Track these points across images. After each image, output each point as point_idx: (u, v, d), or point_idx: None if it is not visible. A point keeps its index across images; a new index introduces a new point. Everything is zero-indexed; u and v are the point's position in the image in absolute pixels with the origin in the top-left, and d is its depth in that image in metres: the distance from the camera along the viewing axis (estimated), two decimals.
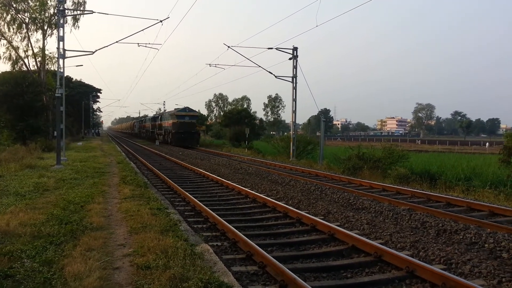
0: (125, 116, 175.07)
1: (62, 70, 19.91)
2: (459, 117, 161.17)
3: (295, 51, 26.62)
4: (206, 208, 8.83)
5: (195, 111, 45.42)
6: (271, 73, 27.11)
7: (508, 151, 12.86)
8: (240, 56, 26.15)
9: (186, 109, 42.92)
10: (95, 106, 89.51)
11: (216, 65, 30.27)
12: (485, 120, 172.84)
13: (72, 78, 61.23)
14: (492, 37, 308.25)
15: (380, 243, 6.46)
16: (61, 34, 19.64)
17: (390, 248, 6.21)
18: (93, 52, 22.28)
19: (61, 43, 19.61)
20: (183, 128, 40.67)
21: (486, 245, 6.49)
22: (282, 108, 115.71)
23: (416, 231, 7.42)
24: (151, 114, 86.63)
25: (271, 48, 26.59)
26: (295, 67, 26.60)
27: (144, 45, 23.73)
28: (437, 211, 9.02)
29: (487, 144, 68.31)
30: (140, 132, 72.21)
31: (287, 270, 5.03)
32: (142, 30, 20.97)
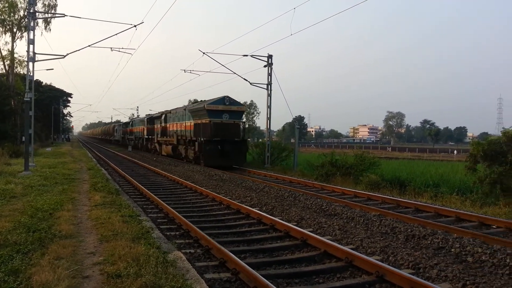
0: (97, 121, 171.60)
1: (31, 74, 19.37)
2: (428, 125, 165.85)
3: (270, 59, 26.86)
4: (179, 215, 8.76)
5: (239, 103, 24.75)
6: (246, 80, 27.23)
7: (474, 159, 13.33)
8: (215, 62, 25.98)
9: (226, 99, 23.29)
10: (65, 111, 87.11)
11: (191, 71, 30.10)
12: (452, 129, 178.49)
13: (42, 82, 59.53)
14: (458, 50, 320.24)
15: (351, 248, 6.58)
16: (31, 37, 19.13)
17: (361, 253, 6.34)
18: (64, 56, 21.82)
19: (31, 46, 19.10)
20: (222, 132, 22.38)
21: (452, 250, 6.71)
22: (257, 114, 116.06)
23: (386, 237, 7.59)
24: (124, 119, 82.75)
25: (246, 55, 26.75)
26: (270, 74, 26.82)
27: (117, 49, 23.44)
28: (406, 216, 9.26)
29: (454, 151, 70.57)
30: (125, 139, 56.18)
31: (260, 276, 5.05)
32: (116, 34, 20.72)
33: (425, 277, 5.55)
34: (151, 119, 39.84)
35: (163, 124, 33.23)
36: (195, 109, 25.18)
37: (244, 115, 25.49)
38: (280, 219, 8.83)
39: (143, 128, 42.95)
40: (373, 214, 9.23)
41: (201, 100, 30.62)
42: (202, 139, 22.59)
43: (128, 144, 51.94)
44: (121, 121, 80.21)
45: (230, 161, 22.48)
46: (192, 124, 24.99)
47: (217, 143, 22.12)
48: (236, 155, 22.57)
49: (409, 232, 7.70)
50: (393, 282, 5.22)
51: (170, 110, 32.31)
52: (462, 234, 7.53)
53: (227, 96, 23.32)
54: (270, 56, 26.86)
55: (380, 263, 5.69)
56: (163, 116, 33.44)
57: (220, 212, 10.15)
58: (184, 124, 27.06)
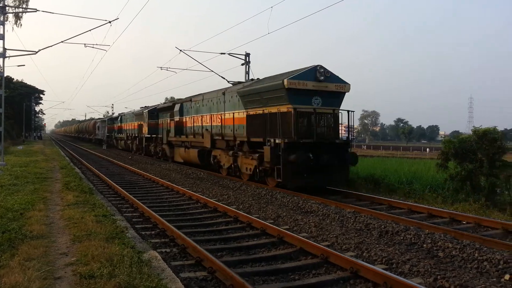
0: (70, 119, 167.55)
1: (2, 70, 18.76)
2: (401, 124, 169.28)
3: (247, 57, 26.82)
4: (155, 214, 8.66)
5: (339, 78, 13.50)
6: (224, 78, 26.96)
7: (445, 156, 13.66)
8: (192, 60, 25.69)
9: (319, 71, 12.89)
10: (37, 108, 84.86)
11: (168, 68, 29.74)
12: (425, 127, 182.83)
13: (13, 79, 57.77)
14: (430, 54, 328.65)
15: (327, 245, 6.68)
16: (1, 32, 18.53)
17: (335, 249, 6.44)
18: (36, 52, 21.16)
19: (1, 41, 18.51)
20: (314, 130, 12.95)
21: (424, 245, 6.88)
22: None
23: (361, 233, 7.72)
24: (97, 117, 79.66)
25: (224, 53, 26.61)
26: (247, 72, 26.78)
27: (91, 46, 22.91)
28: (380, 213, 9.43)
29: (427, 149, 72.27)
30: (112, 139, 46.75)
31: (236, 274, 5.05)
32: (90, 30, 20.24)
33: (397, 272, 5.68)
34: (153, 112, 28.81)
35: (177, 118, 23.10)
36: (254, 90, 14.37)
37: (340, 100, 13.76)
38: (256, 217, 8.85)
39: (140, 125, 31.81)
40: (348, 211, 9.37)
41: (315, 66, 13.37)
42: (278, 141, 12.49)
43: (117, 145, 43.20)
44: (95, 118, 76.82)
45: (327, 178, 13.06)
46: (245, 115, 15.05)
47: (307, 148, 12.42)
48: (337, 169, 13.00)
49: (383, 228, 7.86)
50: (367, 278, 5.32)
51: (190, 97, 21.58)
52: (434, 230, 7.73)
53: (321, 66, 12.97)
54: (247, 55, 26.80)
55: (354, 259, 5.79)
56: (179, 106, 23.27)
57: (197, 211, 10.09)
58: (224, 116, 16.88)
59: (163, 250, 6.55)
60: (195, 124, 20.54)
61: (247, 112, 14.90)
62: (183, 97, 25.78)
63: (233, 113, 15.89)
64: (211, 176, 17.04)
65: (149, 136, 29.02)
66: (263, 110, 13.80)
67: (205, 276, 5.45)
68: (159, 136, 26.91)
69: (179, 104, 23.39)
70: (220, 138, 16.98)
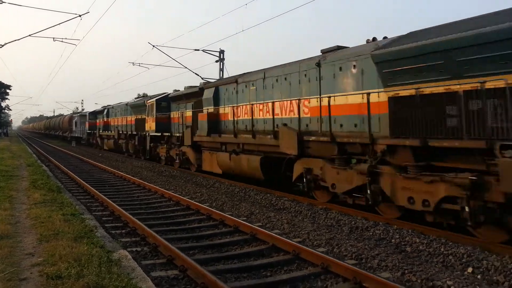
0: (38, 115, 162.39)
1: None
2: None
3: (222, 54, 26.70)
4: (125, 213, 8.53)
5: None
6: (198, 75, 26.86)
7: None
8: (166, 56, 25.27)
9: None
10: (3, 104, 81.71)
11: (140, 64, 29.23)
12: None
13: None
14: None
15: (298, 242, 6.74)
16: None
17: (307, 246, 6.51)
18: (2, 45, 20.46)
19: None
20: None
21: (393, 240, 7.05)
22: None
23: (332, 229, 7.84)
24: (67, 113, 76.35)
25: (198, 50, 26.39)
26: (221, 69, 26.67)
27: (61, 40, 22.25)
28: (351, 209, 9.58)
29: None
30: (96, 137, 37.73)
31: (208, 272, 5.04)
32: (59, 24, 19.64)
33: (367, 267, 5.80)
34: (163, 102, 21.10)
35: (210, 109, 15.50)
36: (426, 47, 7.19)
37: None
38: (230, 214, 8.85)
39: (140, 119, 24.15)
40: (320, 208, 9.49)
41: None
42: None
43: (101, 145, 34.84)
44: (64, 114, 73.46)
45: None
46: (386, 97, 8.14)
47: None
48: None
49: (353, 224, 8.01)
50: (337, 273, 5.40)
51: (236, 77, 14.34)
52: (402, 225, 7.92)
53: None
54: (222, 51, 26.70)
55: (325, 255, 5.87)
56: (212, 91, 15.46)
57: (169, 209, 9.99)
58: (334, 101, 9.51)
59: (134, 249, 6.45)
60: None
61: (396, 93, 7.95)
62: (152, 93, 25.00)
63: (367, 94, 8.51)
64: (184, 173, 16.88)
65: (157, 135, 21.24)
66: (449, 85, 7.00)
67: (177, 274, 5.41)
68: (175, 134, 19.58)
69: (213, 89, 15.56)
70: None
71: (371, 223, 7.95)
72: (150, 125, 21.83)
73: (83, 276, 4.53)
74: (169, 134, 20.33)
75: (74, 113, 52.87)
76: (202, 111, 15.99)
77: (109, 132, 32.74)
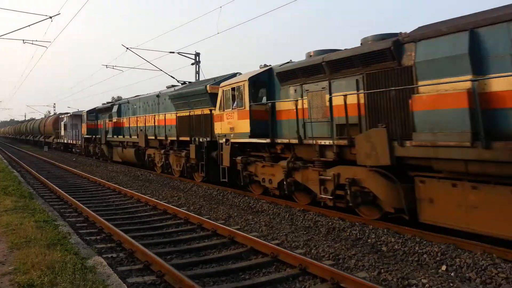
0: (8, 119, 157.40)
1: None
2: None
3: (197, 56, 26.56)
4: (100, 218, 8.36)
5: None
6: (173, 78, 26.59)
7: None
8: (140, 58, 24.71)
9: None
10: None
11: (114, 67, 28.82)
12: None
13: None
14: None
15: (276, 244, 6.75)
16: None
17: (285, 248, 6.53)
18: None
19: None
20: None
21: (369, 240, 7.16)
22: None
23: (309, 230, 7.89)
24: (39, 117, 73.14)
25: (173, 52, 26.16)
26: (197, 72, 26.52)
27: (31, 42, 21.66)
28: (328, 210, 9.68)
29: None
30: (95, 145, 27.88)
31: (185, 277, 5.00)
32: (29, 25, 19.11)
33: (344, 267, 5.87)
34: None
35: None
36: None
37: None
38: (207, 218, 8.79)
39: (193, 118, 15.11)
40: (297, 209, 9.54)
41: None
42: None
43: (108, 156, 24.99)
44: (35, 118, 70.06)
45: None
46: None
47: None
48: None
49: (330, 225, 8.09)
50: (315, 274, 5.45)
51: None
52: (378, 225, 8.04)
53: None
54: (197, 54, 26.56)
55: (303, 256, 5.90)
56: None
57: (146, 214, 9.85)
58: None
59: (109, 255, 6.33)
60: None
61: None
62: (127, 97, 25.03)
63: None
64: (161, 178, 16.68)
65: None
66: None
67: (154, 280, 5.34)
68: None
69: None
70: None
71: (347, 223, 8.04)
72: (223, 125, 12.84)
73: (56, 284, 4.41)
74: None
75: (64, 113, 41.43)
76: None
77: (124, 136, 22.08)
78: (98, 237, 7.55)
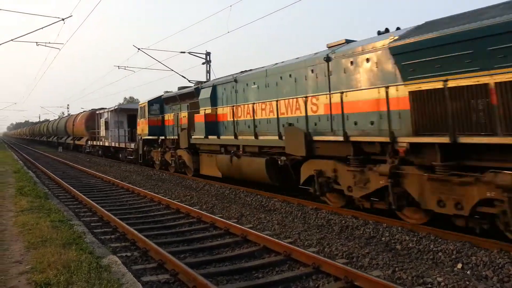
0: (23, 121, 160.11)
1: None
2: None
3: (208, 56, 26.64)
4: (114, 218, 8.45)
5: None
6: (185, 77, 26.71)
7: None
8: (151, 58, 24.89)
9: None
10: None
11: (126, 67, 29.08)
12: None
13: None
14: None
15: (289, 242, 6.74)
16: None
17: (298, 246, 6.52)
18: None
19: None
20: None
21: (383, 239, 7.10)
22: None
23: (322, 229, 7.86)
24: (53, 118, 72.86)
25: (184, 52, 26.29)
26: (208, 71, 26.61)
27: (44, 44, 21.99)
28: (341, 209, 9.63)
29: None
30: (163, 152, 18.49)
31: (199, 276, 5.02)
32: (42, 28, 19.39)
33: (358, 265, 5.83)
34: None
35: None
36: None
37: None
38: (220, 216, 8.82)
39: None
40: (310, 208, 9.51)
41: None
42: None
43: (190, 167, 16.12)
44: (50, 119, 68.81)
45: None
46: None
47: None
48: None
49: (343, 223, 8.04)
50: (329, 272, 5.42)
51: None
52: (391, 223, 7.97)
53: None
54: (208, 53, 26.64)
55: (316, 255, 5.88)
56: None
57: (159, 213, 9.92)
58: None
59: (124, 254, 6.39)
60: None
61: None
62: (139, 97, 24.34)
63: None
64: (173, 177, 16.78)
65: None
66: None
67: (168, 279, 5.37)
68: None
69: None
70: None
71: (361, 222, 7.99)
72: None
73: (72, 283, 4.47)
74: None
75: (107, 108, 30.25)
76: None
77: (238, 136, 12.94)
78: (113, 236, 7.63)
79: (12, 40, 20.69)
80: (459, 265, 5.70)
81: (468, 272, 5.50)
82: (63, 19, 18.08)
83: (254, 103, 12.10)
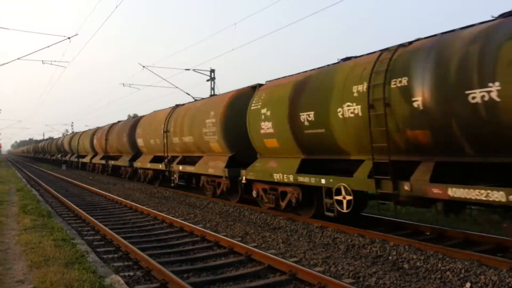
0: (27, 139, 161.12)
1: None
2: None
3: (212, 73, 26.87)
4: (117, 236, 8.37)
5: None
6: (189, 94, 26.92)
7: None
8: (156, 76, 25.05)
9: None
10: None
11: (131, 85, 29.32)
12: None
13: None
14: None
15: (295, 261, 6.65)
16: None
17: (303, 265, 6.42)
18: None
19: None
20: None
21: (390, 257, 6.99)
22: None
23: (328, 247, 7.76)
24: (57, 135, 72.57)
25: (188, 69, 26.53)
26: (212, 88, 26.79)
27: (50, 62, 22.28)
28: (346, 227, 9.52)
29: None
30: None
31: None
32: (48, 46, 19.67)
33: (364, 285, 5.72)
34: None
35: None
36: None
37: None
38: (224, 235, 8.73)
39: None
40: (315, 226, 9.41)
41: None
42: None
43: None
44: (53, 137, 67.21)
45: None
46: None
47: None
48: None
49: (349, 242, 7.93)
50: None
51: None
52: (399, 242, 7.86)
53: None
54: (212, 70, 26.88)
55: (321, 274, 5.78)
56: None
57: (162, 231, 9.83)
58: None
59: (126, 273, 6.30)
60: None
61: None
62: (144, 114, 22.50)
63: None
64: (176, 194, 16.71)
65: None
66: None
67: None
68: None
69: None
70: None
71: (367, 240, 7.88)
72: None
73: None
74: None
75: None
76: None
77: None
78: (115, 255, 7.54)
79: (18, 58, 20.96)
80: (468, 285, 5.59)
81: None
82: (69, 38, 18.35)
83: None
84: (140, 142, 21.50)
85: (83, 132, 39.21)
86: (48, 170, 40.11)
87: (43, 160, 65.48)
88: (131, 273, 6.35)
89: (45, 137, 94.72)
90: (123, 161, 24.64)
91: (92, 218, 10.77)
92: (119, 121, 29.30)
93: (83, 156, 36.59)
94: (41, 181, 24.81)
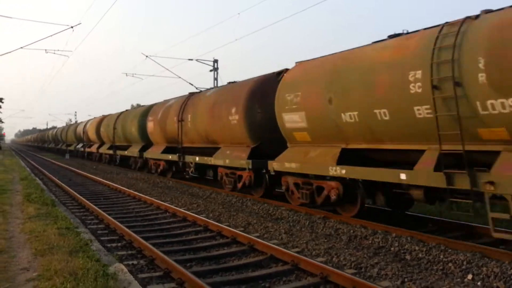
0: (31, 128, 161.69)
1: None
2: None
3: (215, 63, 26.79)
4: (121, 225, 8.43)
5: None
6: (192, 85, 26.92)
7: None
8: (159, 66, 25.14)
9: None
10: None
11: (134, 75, 29.35)
12: None
13: None
14: None
15: (297, 252, 6.68)
16: None
17: (306, 256, 6.45)
18: None
19: None
20: None
21: (392, 249, 7.01)
22: None
23: (330, 238, 7.79)
24: (60, 125, 72.48)
25: (192, 60, 26.47)
26: (216, 78, 26.74)
27: (53, 51, 22.26)
28: (349, 218, 9.54)
29: None
30: None
31: (206, 285, 4.98)
32: (51, 35, 19.62)
33: (366, 276, 5.75)
34: None
35: None
36: None
37: None
38: (227, 225, 8.77)
39: None
40: (317, 217, 9.44)
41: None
42: None
43: None
44: (57, 126, 66.79)
45: None
46: None
47: None
48: None
49: (352, 233, 7.96)
50: (337, 283, 5.35)
51: None
52: (401, 233, 7.88)
53: None
54: (216, 61, 26.80)
55: (324, 265, 5.81)
56: None
57: (165, 221, 9.89)
58: None
59: (130, 262, 6.36)
60: None
61: None
62: (147, 104, 22.05)
63: None
64: (179, 184, 16.78)
65: None
66: None
67: (174, 287, 5.33)
68: None
69: None
70: None
71: (369, 231, 7.91)
72: None
73: None
74: None
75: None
76: None
77: None
78: (119, 244, 7.60)
79: (21, 47, 20.96)
80: (470, 276, 5.61)
81: (479, 283, 5.40)
82: (72, 27, 18.29)
83: None
84: (151, 131, 20.57)
85: (88, 120, 38.36)
86: (52, 159, 40.28)
87: (48, 150, 65.52)
88: (135, 262, 6.40)
89: (48, 126, 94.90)
90: (132, 152, 23.73)
91: (95, 207, 10.84)
92: (127, 110, 28.37)
93: (90, 146, 35.74)
94: (45, 170, 24.94)
